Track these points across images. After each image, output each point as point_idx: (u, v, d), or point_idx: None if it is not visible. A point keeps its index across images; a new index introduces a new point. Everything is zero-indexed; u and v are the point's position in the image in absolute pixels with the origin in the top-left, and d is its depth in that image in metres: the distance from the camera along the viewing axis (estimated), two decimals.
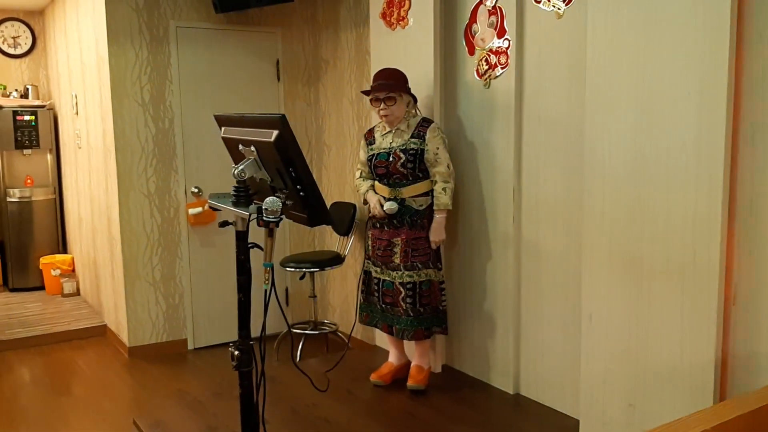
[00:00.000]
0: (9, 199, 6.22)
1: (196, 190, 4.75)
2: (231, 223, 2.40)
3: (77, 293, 6.07)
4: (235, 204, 2.34)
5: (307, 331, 4.71)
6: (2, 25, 6.68)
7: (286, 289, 5.20)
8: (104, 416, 3.70)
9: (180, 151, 4.67)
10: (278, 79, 5.01)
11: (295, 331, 4.78)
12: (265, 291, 2.29)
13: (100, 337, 5.16)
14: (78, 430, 3.54)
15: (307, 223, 2.30)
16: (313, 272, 4.59)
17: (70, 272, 6.16)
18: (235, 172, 2.33)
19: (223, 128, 2.57)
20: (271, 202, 2.15)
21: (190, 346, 4.83)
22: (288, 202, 2.26)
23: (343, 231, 4.64)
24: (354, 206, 4.59)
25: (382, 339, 4.30)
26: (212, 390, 3.78)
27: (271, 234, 2.22)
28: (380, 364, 3.87)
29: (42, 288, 6.26)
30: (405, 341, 3.74)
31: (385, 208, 3.48)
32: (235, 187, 2.35)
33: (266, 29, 4.92)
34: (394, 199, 3.50)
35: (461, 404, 3.48)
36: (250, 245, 2.39)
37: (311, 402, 3.47)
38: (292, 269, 4.49)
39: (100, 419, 3.66)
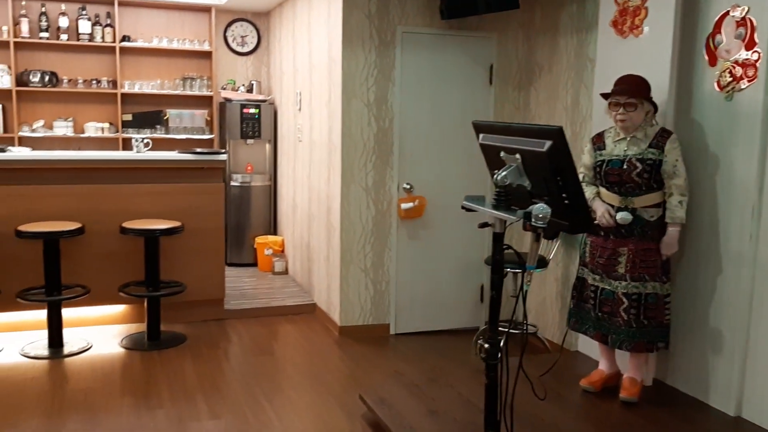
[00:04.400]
0: (232, 183, 6.94)
1: (408, 187, 5.03)
2: (489, 225, 2.58)
3: (286, 272, 6.65)
4: (496, 207, 2.52)
5: (508, 330, 4.83)
6: (233, 25, 7.44)
7: (482, 287, 5.36)
8: (327, 387, 4.07)
9: (396, 149, 4.97)
10: (490, 83, 5.16)
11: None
12: (525, 291, 2.45)
13: (310, 314, 5.63)
14: (306, 397, 3.93)
15: (567, 230, 2.43)
16: (516, 273, 4.70)
17: (281, 252, 6.76)
18: (498, 178, 2.50)
19: (481, 135, 2.76)
20: (541, 208, 2.29)
21: (392, 331, 5.14)
22: None
23: (550, 234, 4.69)
24: None
25: (584, 345, 4.32)
26: (426, 375, 4.03)
27: (537, 239, 2.37)
28: (584, 369, 3.91)
29: (254, 265, 6.92)
30: (618, 351, 3.74)
31: (618, 219, 3.46)
32: (496, 191, 2.52)
33: (483, 34, 5.08)
34: (625, 209, 3.49)
35: (678, 420, 3.43)
36: (505, 247, 2.56)
37: (522, 399, 3.59)
38: None
39: (324, 390, 4.03)
